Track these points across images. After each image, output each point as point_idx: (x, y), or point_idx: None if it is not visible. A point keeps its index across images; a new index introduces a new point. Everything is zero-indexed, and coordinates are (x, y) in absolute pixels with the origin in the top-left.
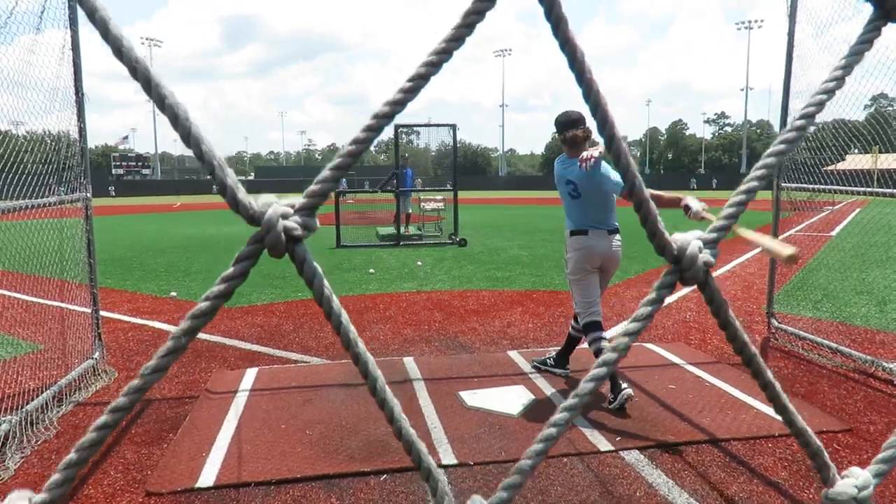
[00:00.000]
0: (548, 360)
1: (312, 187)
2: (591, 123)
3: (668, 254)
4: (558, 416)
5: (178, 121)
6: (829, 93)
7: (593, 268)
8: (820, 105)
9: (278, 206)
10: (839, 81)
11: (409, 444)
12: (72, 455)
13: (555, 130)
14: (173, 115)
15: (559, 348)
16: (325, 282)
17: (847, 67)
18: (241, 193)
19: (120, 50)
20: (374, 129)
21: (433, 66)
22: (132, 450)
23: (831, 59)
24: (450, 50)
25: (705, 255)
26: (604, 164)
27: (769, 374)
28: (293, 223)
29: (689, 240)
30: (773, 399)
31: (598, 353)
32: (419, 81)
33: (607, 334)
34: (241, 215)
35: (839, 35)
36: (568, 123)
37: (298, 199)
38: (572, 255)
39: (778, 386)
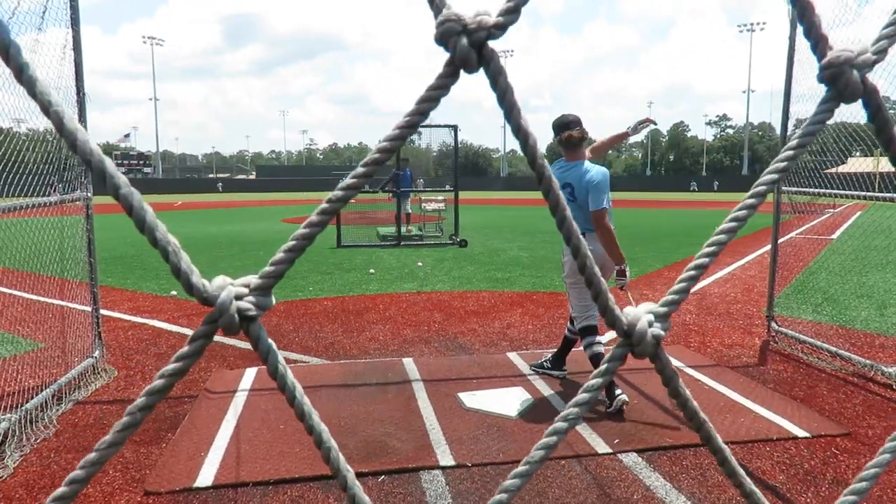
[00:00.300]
0: (545, 363)
1: (267, 269)
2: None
3: (618, 328)
4: (521, 468)
5: (132, 210)
6: (780, 172)
7: None
8: (770, 184)
9: (232, 287)
10: (791, 161)
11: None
12: (77, 471)
13: (553, 135)
14: (128, 206)
15: (553, 351)
16: (280, 357)
17: (800, 147)
18: (195, 277)
19: (74, 145)
20: (327, 213)
21: (395, 139)
22: (131, 449)
23: None
24: (414, 123)
25: (655, 329)
26: (606, 183)
27: (719, 441)
28: (247, 304)
29: (640, 315)
30: (721, 464)
31: (593, 357)
32: (390, 144)
33: (603, 339)
34: (195, 298)
35: (839, 39)
36: (563, 125)
37: (253, 279)
38: (569, 257)
39: (728, 451)
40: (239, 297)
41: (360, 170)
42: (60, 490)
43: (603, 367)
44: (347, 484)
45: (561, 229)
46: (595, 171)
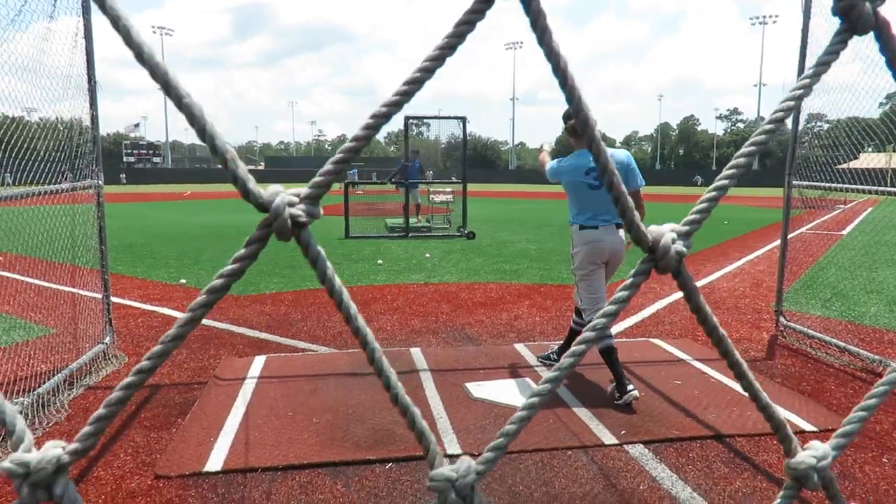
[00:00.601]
0: (551, 355)
1: (316, 179)
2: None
3: (643, 244)
4: (540, 387)
5: (194, 118)
6: (797, 99)
7: (601, 262)
8: (787, 111)
9: (285, 195)
10: (806, 90)
11: (405, 409)
12: (101, 410)
13: (563, 125)
14: (189, 114)
15: (559, 344)
16: (328, 263)
17: (815, 76)
18: (252, 184)
19: (141, 55)
20: (372, 128)
21: (435, 60)
22: (141, 433)
23: (846, 56)
24: (452, 45)
25: (678, 246)
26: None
27: (737, 355)
28: (299, 210)
29: (664, 231)
30: (739, 377)
31: (604, 350)
32: (424, 74)
33: (614, 330)
34: (251, 203)
35: None
36: (568, 116)
37: (304, 189)
38: (580, 249)
39: (745, 365)
40: (291, 205)
41: (393, 99)
42: (128, 380)
43: (629, 280)
44: (391, 384)
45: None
46: (619, 151)
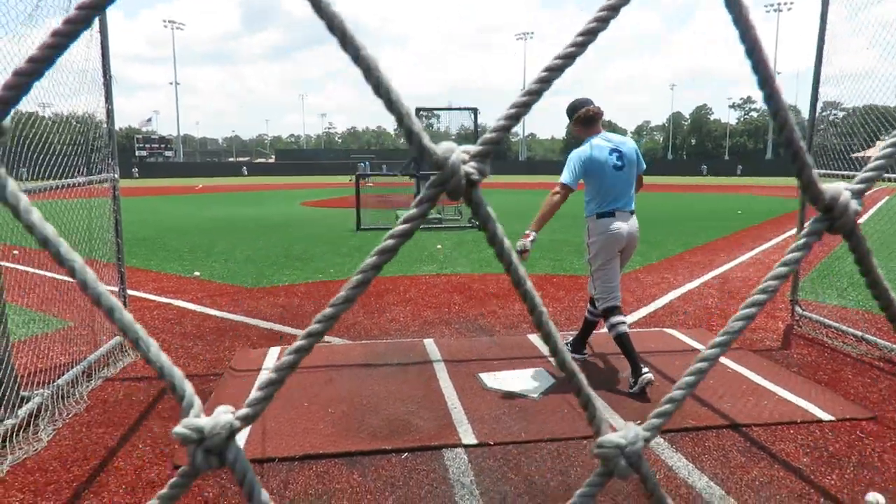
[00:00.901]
0: (566, 346)
1: (488, 135)
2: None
3: (819, 203)
4: (708, 352)
5: (369, 72)
6: (772, 288)
7: (617, 252)
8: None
9: (459, 152)
10: (781, 280)
11: (571, 374)
12: (272, 375)
13: (568, 119)
14: (366, 67)
15: (576, 332)
16: (499, 226)
17: (794, 263)
18: (426, 140)
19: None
20: (546, 81)
21: (582, 45)
22: (159, 424)
23: (863, 43)
24: (602, 25)
25: (854, 204)
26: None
27: None
28: (471, 168)
29: (841, 189)
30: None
31: (618, 337)
32: (578, 49)
33: (628, 319)
34: (425, 161)
35: (874, 17)
36: (580, 104)
37: (473, 147)
38: (597, 239)
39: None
40: (463, 163)
41: (532, 87)
42: (298, 343)
43: (801, 240)
44: (558, 349)
45: None
46: (630, 142)
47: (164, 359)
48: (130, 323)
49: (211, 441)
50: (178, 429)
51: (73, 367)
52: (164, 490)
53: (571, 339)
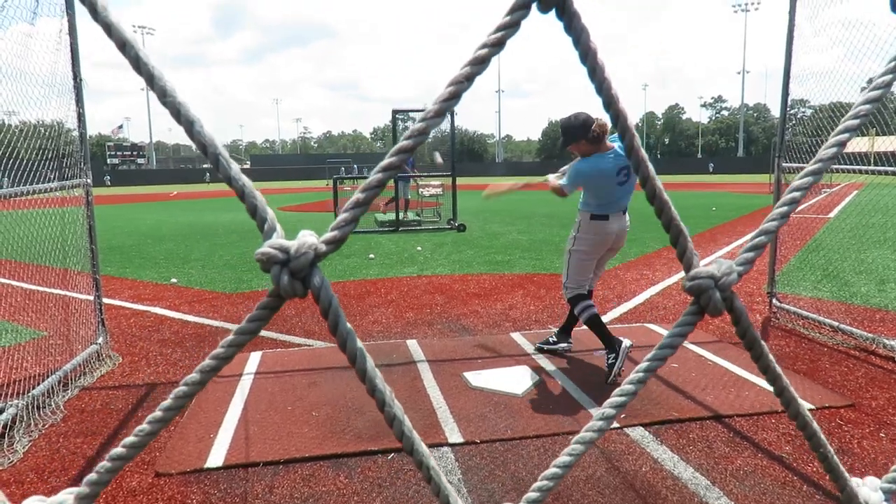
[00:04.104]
0: (549, 339)
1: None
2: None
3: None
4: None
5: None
6: (659, 360)
7: (603, 251)
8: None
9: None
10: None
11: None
12: (358, 196)
13: (566, 136)
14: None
15: (556, 329)
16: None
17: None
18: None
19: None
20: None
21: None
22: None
23: (826, 42)
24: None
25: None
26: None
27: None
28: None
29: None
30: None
31: (590, 319)
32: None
33: (611, 315)
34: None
35: (835, 17)
36: (587, 123)
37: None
38: (588, 238)
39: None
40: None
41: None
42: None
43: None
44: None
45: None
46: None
47: (247, 181)
48: (211, 140)
49: (297, 262)
50: (263, 248)
51: (47, 378)
52: (253, 313)
53: (556, 331)
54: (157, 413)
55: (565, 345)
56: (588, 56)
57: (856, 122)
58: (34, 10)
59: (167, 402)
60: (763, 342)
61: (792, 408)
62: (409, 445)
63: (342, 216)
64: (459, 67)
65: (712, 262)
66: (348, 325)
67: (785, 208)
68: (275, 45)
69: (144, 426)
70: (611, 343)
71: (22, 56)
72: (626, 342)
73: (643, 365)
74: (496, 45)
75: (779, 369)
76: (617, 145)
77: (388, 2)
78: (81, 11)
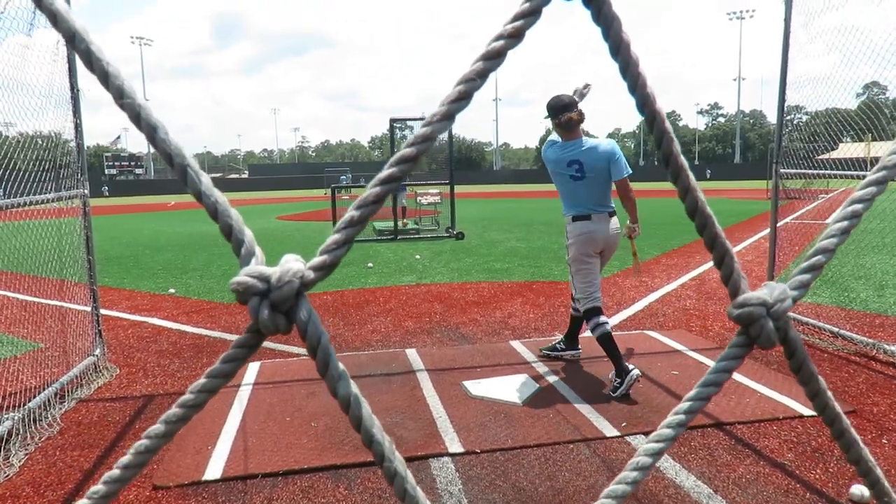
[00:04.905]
0: (557, 346)
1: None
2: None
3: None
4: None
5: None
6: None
7: (595, 253)
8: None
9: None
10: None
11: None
12: (353, 215)
13: (546, 115)
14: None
15: (562, 336)
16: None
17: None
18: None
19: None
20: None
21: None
22: None
23: (821, 48)
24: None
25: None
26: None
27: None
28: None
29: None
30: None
31: (602, 337)
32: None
33: (611, 321)
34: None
35: (829, 24)
36: (561, 107)
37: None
38: (574, 241)
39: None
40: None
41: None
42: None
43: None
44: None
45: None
46: (605, 142)
47: (220, 196)
48: (178, 149)
49: (279, 292)
50: (240, 277)
51: (44, 390)
52: (228, 352)
53: (561, 339)
54: (121, 464)
55: (574, 352)
56: (620, 49)
57: None
58: (31, 21)
59: (125, 460)
60: (820, 377)
61: (853, 452)
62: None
63: (333, 238)
64: (471, 63)
65: (763, 286)
66: (340, 365)
67: (845, 223)
68: (273, 55)
69: (115, 472)
70: (620, 367)
71: (19, 67)
72: (634, 371)
73: (685, 405)
74: (514, 37)
75: (838, 408)
76: (601, 142)
77: (386, 11)
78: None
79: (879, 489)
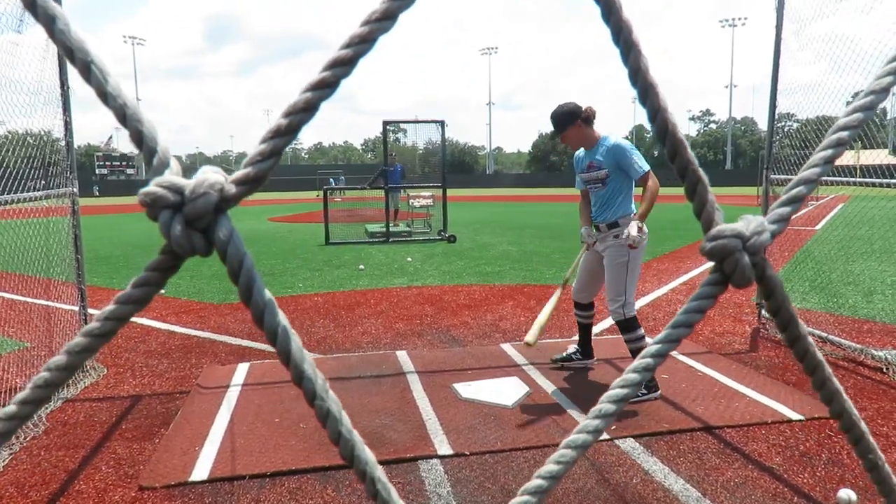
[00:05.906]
0: (573, 356)
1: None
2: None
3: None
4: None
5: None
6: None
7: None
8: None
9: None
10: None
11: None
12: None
13: (556, 124)
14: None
15: (569, 341)
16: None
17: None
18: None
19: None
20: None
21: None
22: (123, 445)
23: (810, 56)
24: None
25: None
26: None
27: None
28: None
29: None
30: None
31: (639, 351)
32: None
33: (601, 326)
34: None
35: (820, 32)
36: (570, 115)
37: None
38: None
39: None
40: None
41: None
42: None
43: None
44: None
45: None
46: (616, 139)
47: (130, 99)
48: (80, 44)
49: (194, 205)
50: (148, 188)
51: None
52: (140, 275)
53: (574, 348)
54: (19, 399)
55: (589, 360)
56: (621, 34)
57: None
58: (20, 17)
59: (23, 395)
60: (801, 321)
61: (835, 404)
62: (349, 450)
63: (259, 148)
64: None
65: (740, 219)
66: (267, 292)
67: (829, 152)
68: (268, 57)
69: (11, 408)
70: (650, 381)
71: (9, 64)
72: (657, 393)
73: (653, 348)
74: None
75: (819, 356)
76: (609, 142)
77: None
78: (70, 18)
79: (858, 432)
